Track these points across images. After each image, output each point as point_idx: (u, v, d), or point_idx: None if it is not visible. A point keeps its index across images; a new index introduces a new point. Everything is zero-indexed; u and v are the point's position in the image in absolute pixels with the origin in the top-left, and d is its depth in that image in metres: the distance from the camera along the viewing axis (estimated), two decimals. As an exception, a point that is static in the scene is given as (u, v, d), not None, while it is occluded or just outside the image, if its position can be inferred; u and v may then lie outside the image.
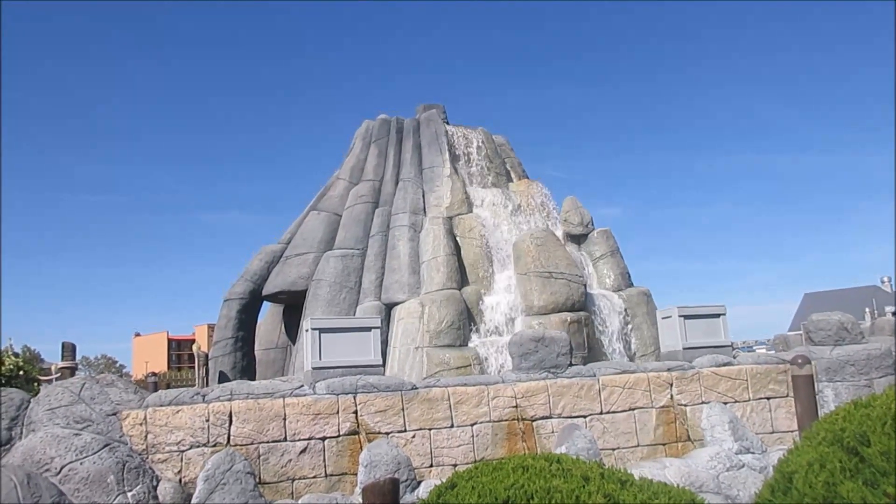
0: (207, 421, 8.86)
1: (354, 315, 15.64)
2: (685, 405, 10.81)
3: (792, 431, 11.03)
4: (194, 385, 18.51)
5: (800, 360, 10.77)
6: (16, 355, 13.17)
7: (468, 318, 15.04)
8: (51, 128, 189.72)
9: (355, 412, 9.41)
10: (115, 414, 8.77)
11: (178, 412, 8.85)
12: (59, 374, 15.48)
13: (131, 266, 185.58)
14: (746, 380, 11.24)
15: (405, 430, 9.52)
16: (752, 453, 9.98)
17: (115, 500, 7.80)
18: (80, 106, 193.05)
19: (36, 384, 12.97)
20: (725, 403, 10.91)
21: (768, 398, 11.28)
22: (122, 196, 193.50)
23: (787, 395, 11.29)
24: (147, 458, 8.55)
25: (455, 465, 9.42)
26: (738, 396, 11.11)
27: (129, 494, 7.93)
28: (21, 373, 12.59)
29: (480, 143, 19.95)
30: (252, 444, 8.89)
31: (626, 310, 16.22)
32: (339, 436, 9.24)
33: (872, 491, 3.43)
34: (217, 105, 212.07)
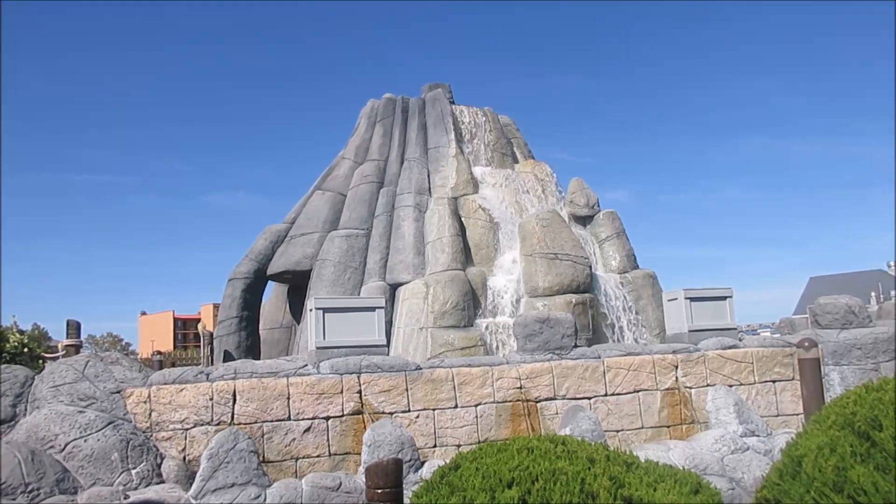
0: (211, 399, 8.86)
1: (359, 295, 15.60)
2: (690, 387, 10.77)
3: (797, 415, 10.99)
4: (200, 364, 18.57)
5: (806, 344, 10.69)
6: (20, 332, 13.20)
7: (473, 299, 14.98)
8: (60, 111, 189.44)
9: (359, 392, 9.39)
10: (119, 392, 8.76)
11: (182, 390, 8.84)
12: (64, 352, 15.52)
13: (138, 245, 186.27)
14: (752, 363, 11.18)
15: (409, 411, 9.51)
16: (757, 436, 9.94)
17: (119, 477, 7.82)
18: (88, 90, 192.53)
19: (41, 361, 13.00)
20: (731, 386, 10.86)
21: (774, 381, 11.22)
22: (129, 176, 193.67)
23: (792, 379, 11.24)
24: (151, 435, 8.55)
25: (459, 446, 9.41)
26: (743, 379, 11.06)
27: (134, 472, 7.94)
28: (25, 350, 12.62)
29: (486, 123, 19.77)
30: (256, 422, 8.89)
31: (631, 292, 16.14)
32: (342, 415, 9.23)
33: (884, 476, 3.37)
34: (223, 88, 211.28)
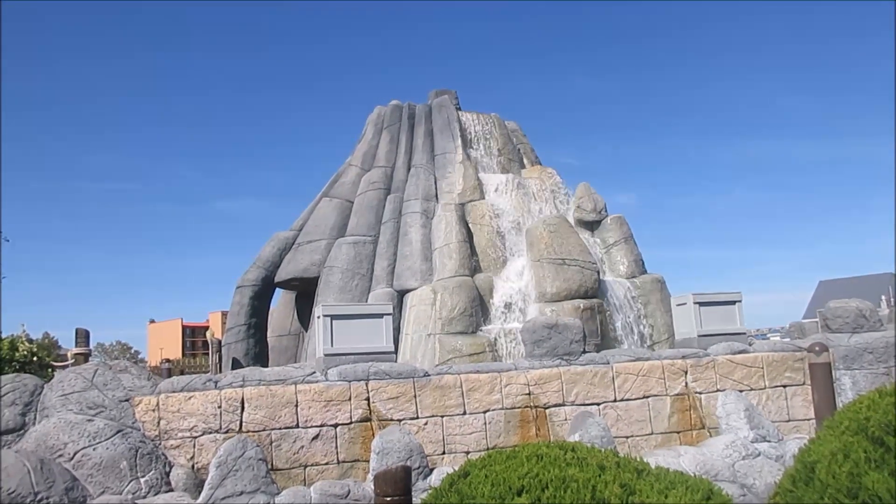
0: (220, 407, 8.85)
1: (367, 302, 15.60)
2: (700, 393, 10.70)
3: (808, 420, 10.91)
4: (208, 372, 18.59)
5: (817, 348, 10.61)
6: (30, 341, 13.26)
7: (480, 305, 14.96)
8: (68, 117, 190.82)
9: (367, 399, 9.37)
10: (127, 400, 8.77)
11: (190, 398, 8.84)
12: (73, 361, 15.56)
13: (146, 253, 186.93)
14: (762, 367, 11.11)
15: (417, 417, 9.48)
16: (769, 442, 9.87)
17: (127, 485, 7.82)
18: (95, 96, 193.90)
19: (50, 370, 13.05)
20: (741, 391, 10.79)
21: (784, 386, 11.14)
22: (136, 184, 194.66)
23: (803, 383, 11.15)
24: (160, 444, 8.55)
25: (468, 453, 9.38)
26: (753, 384, 10.98)
27: (142, 480, 7.94)
28: (35, 359, 12.66)
29: (493, 129, 19.79)
30: (264, 430, 8.88)
31: (639, 297, 16.09)
32: (351, 422, 9.21)
33: (899, 482, 3.33)
34: (231, 94, 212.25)
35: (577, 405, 10.11)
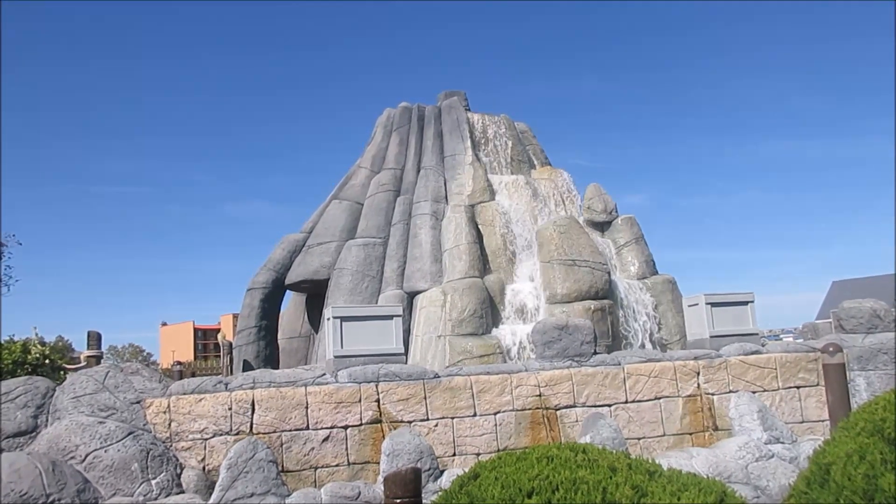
0: (230, 409, 8.86)
1: (377, 304, 15.59)
2: (712, 394, 10.62)
3: (822, 421, 10.80)
4: (220, 374, 18.63)
5: (831, 349, 10.51)
6: (42, 344, 13.34)
7: (491, 307, 14.92)
8: (79, 122, 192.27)
9: (377, 401, 9.36)
10: (138, 402, 8.80)
11: (200, 400, 8.86)
12: (85, 363, 15.62)
13: (158, 256, 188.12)
14: (775, 368, 11.01)
15: (427, 419, 9.46)
16: (782, 443, 9.78)
17: (139, 487, 7.83)
18: (106, 101, 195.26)
19: (62, 372, 13.11)
20: (754, 392, 10.70)
21: (798, 387, 11.04)
22: (148, 188, 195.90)
23: (817, 384, 11.05)
24: (171, 445, 8.57)
25: (478, 454, 9.34)
26: (766, 385, 10.89)
27: (154, 482, 7.96)
28: (47, 361, 12.73)
29: (503, 131, 19.73)
30: (275, 432, 8.88)
31: (651, 298, 15.99)
32: (361, 424, 9.20)
33: (916, 484, 3.27)
34: (241, 97, 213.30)
35: (588, 406, 10.06)
